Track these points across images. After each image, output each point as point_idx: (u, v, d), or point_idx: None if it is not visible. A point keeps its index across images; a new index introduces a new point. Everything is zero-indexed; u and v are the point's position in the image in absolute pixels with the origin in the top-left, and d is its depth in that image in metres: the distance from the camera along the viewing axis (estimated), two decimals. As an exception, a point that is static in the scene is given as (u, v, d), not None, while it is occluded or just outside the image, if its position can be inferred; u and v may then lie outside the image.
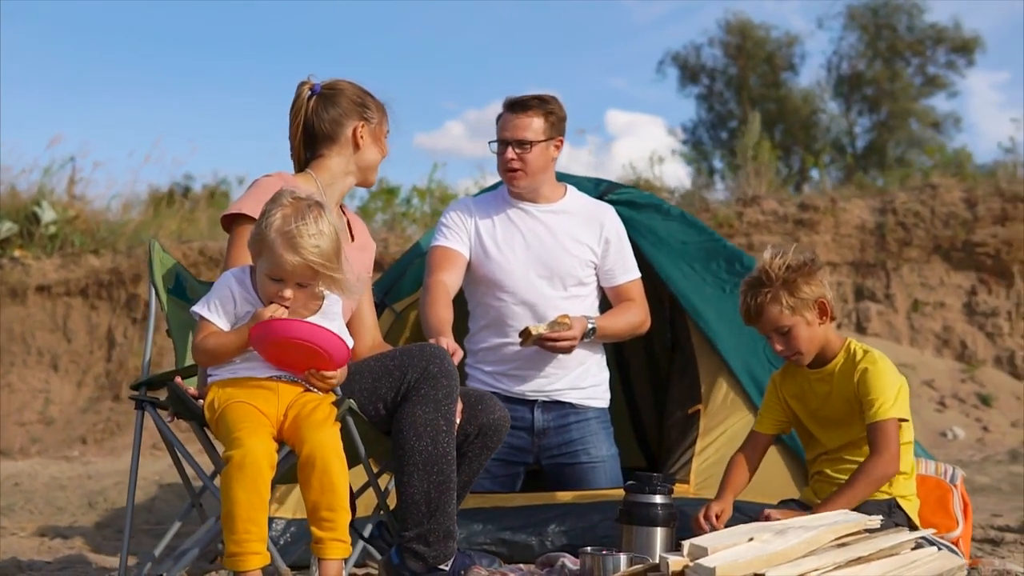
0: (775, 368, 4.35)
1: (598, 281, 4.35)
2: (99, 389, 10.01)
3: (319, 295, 3.07)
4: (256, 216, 3.33)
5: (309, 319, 2.99)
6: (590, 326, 4.14)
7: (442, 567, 3.39)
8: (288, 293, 2.91)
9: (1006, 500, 5.92)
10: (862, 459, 3.44)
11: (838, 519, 2.66)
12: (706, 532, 3.26)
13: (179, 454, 3.44)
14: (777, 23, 38.55)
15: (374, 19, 46.98)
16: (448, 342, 3.65)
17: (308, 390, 2.96)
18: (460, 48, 44.79)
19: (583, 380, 4.26)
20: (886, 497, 3.44)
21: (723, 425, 4.27)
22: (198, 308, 3.02)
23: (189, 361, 3.49)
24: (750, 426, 4.23)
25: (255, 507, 2.69)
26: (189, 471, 3.46)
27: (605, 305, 4.41)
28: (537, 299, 4.20)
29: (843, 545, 2.48)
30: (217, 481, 2.85)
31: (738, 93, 31.46)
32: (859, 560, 2.42)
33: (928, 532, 2.88)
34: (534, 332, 3.99)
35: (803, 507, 3.56)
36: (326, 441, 2.80)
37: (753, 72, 31.18)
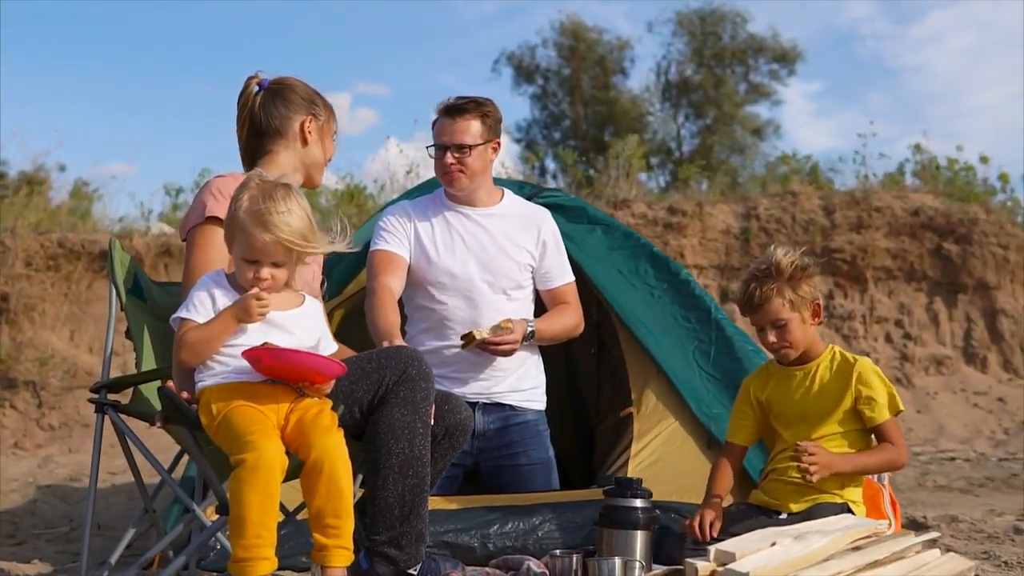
0: (704, 371, 4.48)
1: (534, 284, 4.38)
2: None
3: (299, 294, 3.05)
4: (224, 216, 3.28)
5: (297, 319, 2.98)
6: (530, 329, 4.17)
7: (411, 571, 3.38)
8: (265, 273, 2.89)
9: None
10: None
11: (849, 524, 2.76)
12: (699, 538, 3.37)
13: (142, 456, 3.35)
14: (609, 27, 39.17)
15: (204, 13, 45.91)
16: (400, 344, 3.64)
17: (303, 395, 2.92)
18: (290, 44, 44.17)
19: (523, 383, 4.29)
20: (841, 501, 3.60)
21: (657, 428, 4.36)
22: (177, 314, 2.96)
23: (150, 363, 3.41)
24: (683, 429, 4.37)
25: (267, 511, 2.64)
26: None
27: (538, 308, 4.44)
28: (478, 302, 4.20)
29: (857, 549, 2.58)
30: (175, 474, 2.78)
31: (571, 94, 31.86)
32: (876, 564, 2.52)
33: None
34: (478, 336, 4.00)
35: (755, 509, 3.69)
36: (333, 447, 2.77)
37: (585, 74, 31.60)
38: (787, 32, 37.12)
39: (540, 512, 4.05)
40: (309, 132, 3.64)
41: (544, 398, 4.41)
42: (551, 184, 13.99)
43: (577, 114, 31.59)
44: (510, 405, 4.26)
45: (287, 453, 2.77)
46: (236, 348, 2.85)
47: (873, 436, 3.66)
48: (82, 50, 42.64)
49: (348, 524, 2.77)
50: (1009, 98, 41.31)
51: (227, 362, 2.89)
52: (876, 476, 4.17)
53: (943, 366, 10.27)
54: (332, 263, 4.73)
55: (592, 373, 5.05)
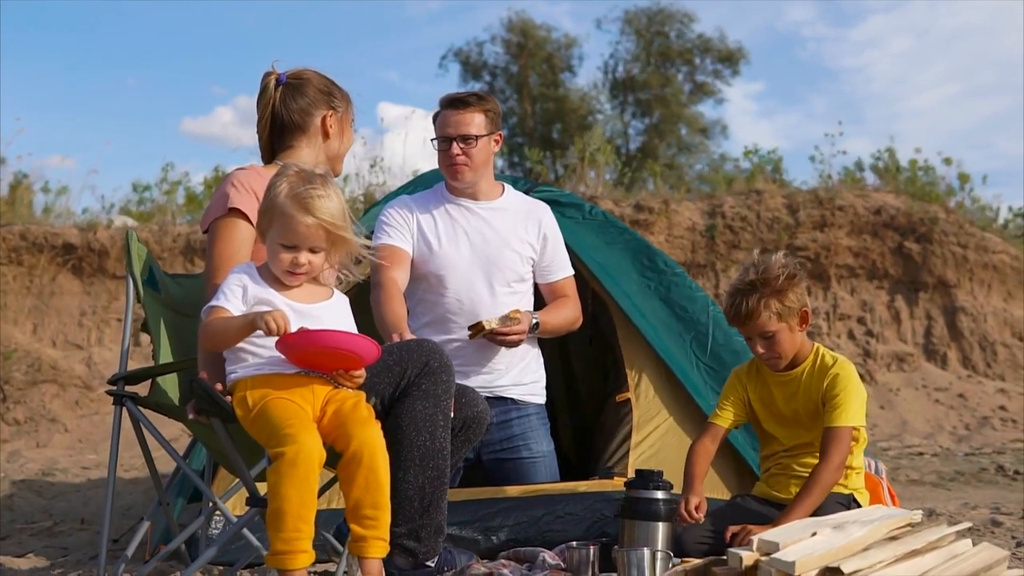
0: (701, 362, 4.52)
1: (534, 278, 4.41)
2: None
3: (327, 287, 3.06)
4: (245, 208, 3.28)
5: (328, 312, 2.98)
6: (534, 321, 4.20)
7: (428, 564, 3.39)
8: (303, 258, 2.91)
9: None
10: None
11: (884, 514, 2.81)
12: (688, 522, 3.42)
13: (161, 446, 3.34)
14: (557, 24, 39.35)
15: (144, 10, 45.44)
16: (408, 336, 3.65)
17: (338, 387, 2.92)
18: (231, 35, 43.82)
19: (524, 376, 4.31)
20: (847, 492, 3.65)
21: (656, 419, 4.41)
22: (210, 303, 2.95)
23: (167, 356, 3.39)
24: (683, 420, 4.41)
25: (306, 505, 2.63)
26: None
27: (537, 302, 4.46)
28: (481, 294, 4.21)
29: (894, 539, 2.63)
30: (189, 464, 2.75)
31: (519, 91, 31.88)
32: (914, 553, 2.57)
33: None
34: (487, 326, 4.02)
35: (760, 501, 3.74)
36: (372, 439, 2.77)
37: (533, 71, 31.64)
38: (732, 33, 37.52)
39: (542, 504, 4.09)
40: (330, 126, 3.64)
41: (544, 392, 4.43)
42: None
43: (525, 111, 31.61)
44: (512, 399, 4.28)
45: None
46: (270, 339, 2.84)
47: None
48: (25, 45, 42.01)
49: (386, 516, 2.78)
50: (946, 100, 41.98)
51: (260, 353, 2.89)
52: (873, 468, 4.25)
53: (905, 363, 10.43)
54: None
55: (588, 366, 5.09)
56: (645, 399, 4.45)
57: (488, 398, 4.20)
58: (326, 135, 3.64)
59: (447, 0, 45.07)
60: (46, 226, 9.93)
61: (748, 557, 2.51)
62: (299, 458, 2.63)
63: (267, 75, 3.62)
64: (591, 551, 3.35)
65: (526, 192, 4.65)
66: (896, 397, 10.01)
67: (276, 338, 2.80)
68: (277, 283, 2.98)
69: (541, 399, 4.40)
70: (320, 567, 3.75)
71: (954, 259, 10.71)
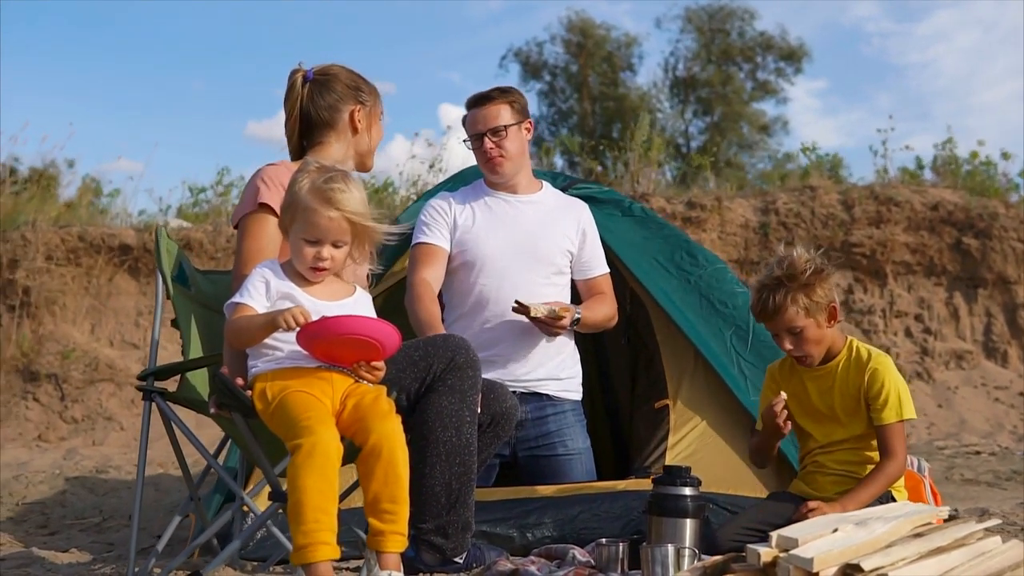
0: (742, 358, 4.45)
1: (571, 274, 4.39)
2: (-26, 378, 9.60)
3: (350, 284, 3.07)
4: (275, 204, 3.29)
5: (348, 308, 2.98)
6: (576, 315, 4.18)
7: (456, 560, 3.39)
8: (326, 252, 2.93)
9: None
10: (859, 453, 3.60)
11: (910, 510, 2.75)
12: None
13: (189, 442, 3.36)
14: (616, 23, 39.24)
15: (209, 13, 45.97)
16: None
17: (358, 381, 2.92)
18: (294, 38, 44.20)
19: (560, 371, 4.29)
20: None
21: (693, 420, 4.35)
22: (233, 299, 2.96)
23: (196, 351, 3.41)
24: (720, 420, 4.35)
25: (326, 496, 2.62)
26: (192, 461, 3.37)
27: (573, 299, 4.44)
28: (518, 285, 4.20)
29: (919, 535, 2.57)
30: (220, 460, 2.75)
31: (578, 91, 31.86)
32: (939, 550, 2.51)
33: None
34: (534, 312, 4.01)
35: (797, 499, 3.68)
36: (392, 432, 2.77)
37: (593, 70, 31.59)
38: (793, 30, 37.16)
39: (578, 503, 4.06)
40: (359, 121, 3.65)
41: (580, 389, 4.41)
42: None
43: (584, 110, 31.60)
44: (547, 395, 4.26)
45: (342, 439, 2.77)
46: (291, 334, 2.85)
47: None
48: (92, 47, 42.69)
49: (404, 510, 2.76)
50: (1013, 95, 41.28)
51: (281, 347, 2.90)
52: (916, 466, 4.17)
53: (963, 360, 10.24)
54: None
55: (625, 364, 5.05)
56: (683, 400, 4.40)
57: (523, 394, 4.22)
58: (355, 130, 3.65)
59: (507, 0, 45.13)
60: (103, 227, 10.06)
61: (766, 554, 2.46)
62: (316, 450, 2.62)
63: (294, 72, 3.63)
64: (620, 548, 3.34)
65: (563, 189, 4.64)
66: (954, 395, 9.84)
67: (297, 330, 2.81)
68: (300, 279, 2.99)
69: (577, 395, 4.38)
70: (354, 563, 3.74)
71: (1014, 255, 10.50)
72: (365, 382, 2.93)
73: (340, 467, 2.71)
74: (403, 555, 3.30)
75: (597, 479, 4.29)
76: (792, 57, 30.77)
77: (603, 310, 4.36)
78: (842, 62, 44.60)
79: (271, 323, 2.83)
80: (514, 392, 4.19)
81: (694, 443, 4.32)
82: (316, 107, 3.60)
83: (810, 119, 41.31)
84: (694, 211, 10.40)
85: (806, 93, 44.72)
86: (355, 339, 2.81)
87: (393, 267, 4.73)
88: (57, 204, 10.70)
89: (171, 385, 3.50)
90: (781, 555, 2.45)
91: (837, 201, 10.59)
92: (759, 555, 2.47)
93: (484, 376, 3.83)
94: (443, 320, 4.30)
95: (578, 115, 31.93)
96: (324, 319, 2.81)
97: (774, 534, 2.52)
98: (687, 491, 3.38)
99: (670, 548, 3.00)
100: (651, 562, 3.00)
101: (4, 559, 4.26)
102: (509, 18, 45.17)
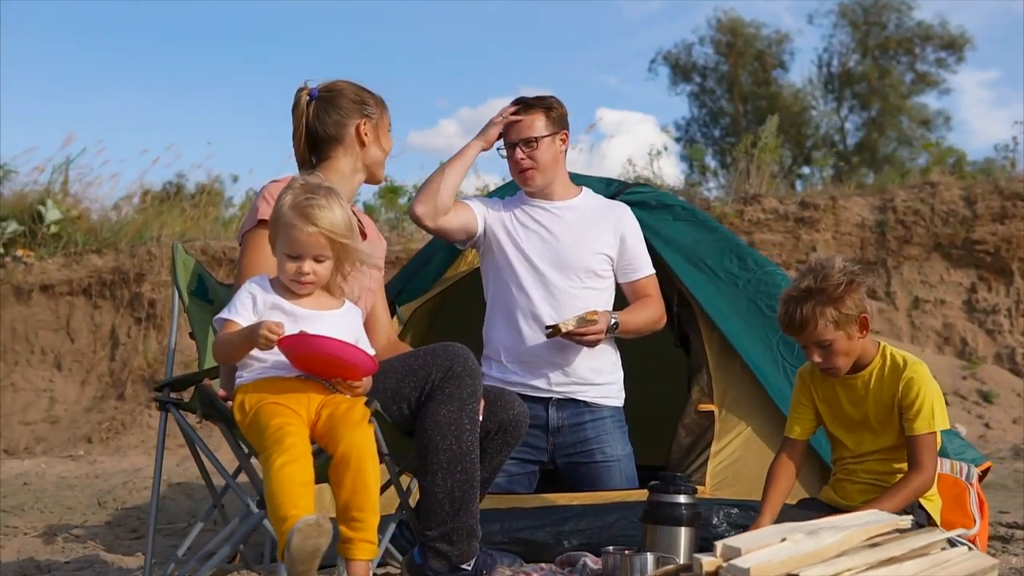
0: (788, 362, 4.35)
1: (615, 278, 4.38)
2: (103, 388, 9.99)
3: (339, 299, 3.12)
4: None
5: (330, 319, 3.04)
6: (613, 321, 4.17)
7: (464, 566, 3.42)
8: (307, 267, 2.97)
9: (1012, 497, 5.94)
10: (888, 464, 3.52)
11: (869, 519, 2.68)
12: None
13: (201, 454, 3.47)
14: (767, 21, 38.61)
15: (367, 17, 46.95)
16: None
17: (335, 391, 2.97)
18: (452, 46, 44.82)
19: (597, 377, 4.28)
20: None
21: (738, 427, 4.30)
22: (220, 315, 3.05)
23: (211, 362, 3.52)
24: (764, 427, 4.26)
25: (301, 495, 2.66)
26: (211, 470, 3.48)
27: (619, 303, 4.42)
28: (555, 292, 4.22)
29: (875, 545, 2.50)
30: (240, 479, 2.83)
31: (729, 91, 31.49)
32: (892, 560, 2.44)
33: (953, 534, 2.89)
34: (564, 328, 4.03)
35: (824, 507, 3.59)
36: (362, 441, 2.81)
37: (744, 70, 31.19)
38: (955, 19, 35.91)
39: (614, 511, 4.02)
40: (365, 134, 3.71)
41: (622, 394, 4.39)
42: (712, 183, 13.83)
43: (737, 110, 31.23)
44: (584, 401, 4.26)
45: (318, 451, 2.84)
46: (266, 355, 2.93)
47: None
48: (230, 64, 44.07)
49: (372, 518, 2.79)
50: None
51: (265, 358, 2.97)
52: (961, 472, 4.02)
53: (1093, 361, 9.79)
54: (430, 253, 4.84)
55: (670, 369, 5.00)
56: (728, 406, 4.34)
57: (560, 400, 4.23)
58: (362, 143, 3.71)
59: (664, 0, 44.88)
60: (225, 241, 10.38)
61: (709, 563, 2.43)
62: (286, 460, 2.68)
63: (299, 91, 3.71)
64: (626, 557, 3.31)
65: (614, 195, 4.63)
66: (1085, 397, 9.42)
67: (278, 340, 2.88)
68: (288, 292, 3.06)
69: (617, 401, 4.36)
70: (379, 570, 3.80)
71: None
72: (343, 393, 2.98)
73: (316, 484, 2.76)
74: (412, 562, 3.38)
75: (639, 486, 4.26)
76: (953, 46, 29.77)
77: (646, 314, 4.33)
78: (1013, 51, 42.89)
79: (248, 339, 2.91)
80: (550, 399, 4.22)
81: (738, 450, 4.26)
82: (322, 124, 3.67)
83: (981, 111, 39.89)
84: (807, 211, 10.18)
85: (975, 85, 43.15)
86: (325, 358, 2.88)
87: (445, 273, 4.80)
88: (185, 219, 11.08)
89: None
90: (723, 564, 2.41)
91: (959, 197, 10.23)
92: (702, 564, 2.43)
93: (498, 386, 3.86)
94: (483, 326, 4.36)
95: (730, 115, 31.58)
96: (301, 335, 2.87)
97: (719, 543, 2.48)
98: (682, 499, 3.34)
99: (649, 557, 2.98)
100: (630, 570, 2.98)
101: (70, 562, 4.47)
102: (666, 19, 44.90)
